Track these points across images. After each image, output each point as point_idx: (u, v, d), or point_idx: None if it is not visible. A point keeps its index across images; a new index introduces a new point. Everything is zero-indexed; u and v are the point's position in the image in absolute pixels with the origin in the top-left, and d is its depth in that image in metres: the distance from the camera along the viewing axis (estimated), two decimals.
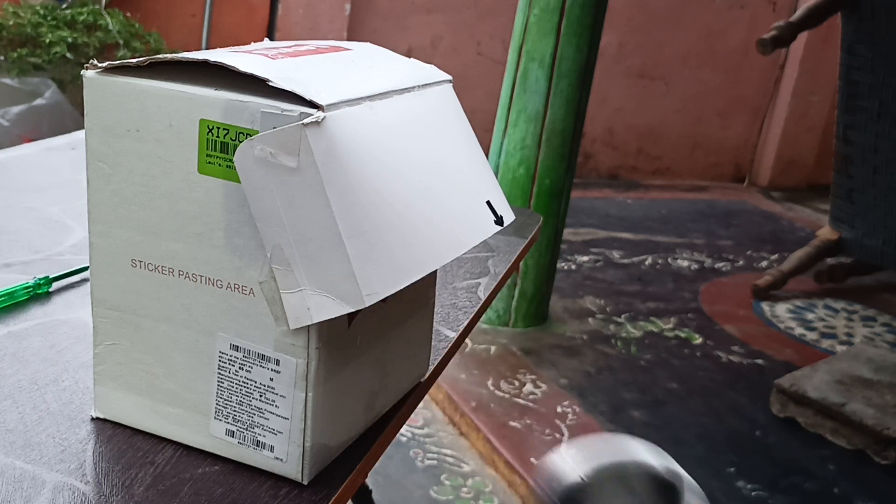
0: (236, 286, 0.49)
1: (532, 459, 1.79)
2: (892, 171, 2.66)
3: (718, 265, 3.15)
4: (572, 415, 2.01)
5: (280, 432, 0.50)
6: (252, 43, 0.54)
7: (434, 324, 0.64)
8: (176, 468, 0.51)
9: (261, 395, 0.50)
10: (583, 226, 3.37)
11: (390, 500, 1.67)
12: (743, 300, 2.84)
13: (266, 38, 0.60)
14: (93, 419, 0.55)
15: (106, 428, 0.55)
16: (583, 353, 2.37)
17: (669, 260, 3.14)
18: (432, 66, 0.58)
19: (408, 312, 0.55)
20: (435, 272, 0.55)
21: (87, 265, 0.54)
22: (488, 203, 0.55)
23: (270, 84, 0.45)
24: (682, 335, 2.53)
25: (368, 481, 1.26)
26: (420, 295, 0.58)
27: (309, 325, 0.47)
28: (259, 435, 0.51)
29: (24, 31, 2.71)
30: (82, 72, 0.49)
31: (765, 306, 2.80)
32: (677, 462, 0.55)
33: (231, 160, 0.46)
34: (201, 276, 0.50)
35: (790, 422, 2.11)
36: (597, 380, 2.23)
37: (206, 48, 1.67)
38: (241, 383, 0.50)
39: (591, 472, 0.45)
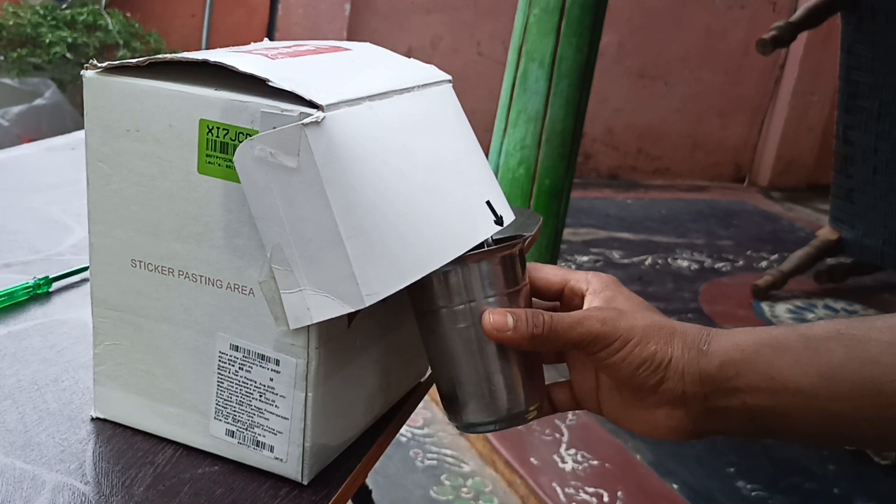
0: (236, 286, 0.49)
1: (532, 460, 1.79)
2: (892, 171, 2.66)
3: (718, 265, 3.15)
4: (572, 415, 2.01)
5: (280, 432, 0.50)
6: (252, 43, 0.54)
7: None
8: (176, 468, 0.51)
9: (261, 395, 0.50)
10: (583, 226, 3.37)
11: (390, 500, 1.67)
12: (743, 300, 2.83)
13: (266, 38, 0.60)
14: (93, 419, 0.55)
15: (106, 428, 0.55)
16: None
17: (669, 260, 3.14)
18: (432, 66, 0.58)
19: (408, 313, 0.55)
20: None
21: (86, 265, 0.54)
22: (488, 203, 0.55)
23: (270, 84, 0.45)
24: None
25: (368, 481, 1.26)
26: None
27: (309, 325, 0.47)
28: (259, 435, 0.51)
29: (24, 31, 2.71)
30: (82, 72, 0.49)
31: (765, 306, 2.80)
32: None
33: (231, 160, 0.46)
34: (201, 276, 0.50)
35: None
36: None
37: (206, 48, 1.66)
38: (241, 383, 0.50)
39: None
